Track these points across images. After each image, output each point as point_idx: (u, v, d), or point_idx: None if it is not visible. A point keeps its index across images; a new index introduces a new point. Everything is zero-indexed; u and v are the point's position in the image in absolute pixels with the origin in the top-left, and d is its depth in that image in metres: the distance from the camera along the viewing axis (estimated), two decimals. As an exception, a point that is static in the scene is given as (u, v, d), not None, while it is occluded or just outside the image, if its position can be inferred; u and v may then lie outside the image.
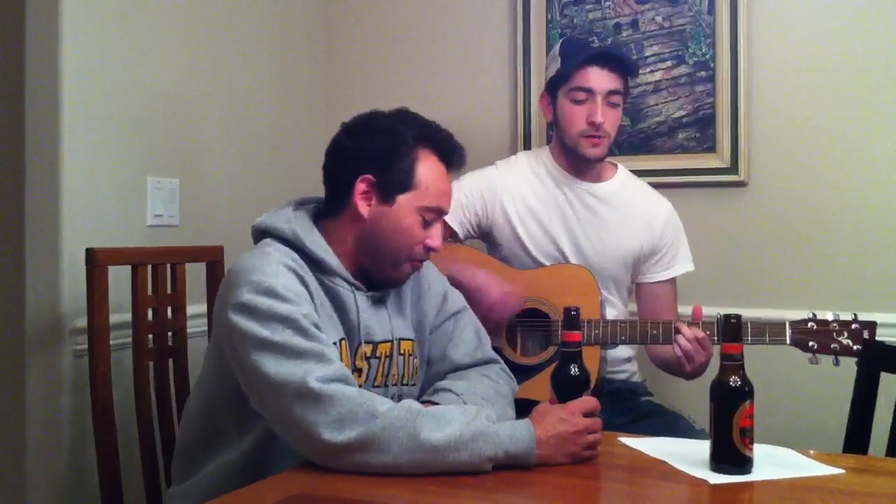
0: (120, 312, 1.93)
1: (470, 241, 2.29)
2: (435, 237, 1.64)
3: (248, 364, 1.44)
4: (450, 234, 2.23)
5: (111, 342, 1.88)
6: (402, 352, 1.70)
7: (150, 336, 1.97)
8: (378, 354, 1.65)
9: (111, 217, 2.16)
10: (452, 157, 1.66)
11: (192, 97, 2.42)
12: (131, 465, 1.94)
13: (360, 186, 1.61)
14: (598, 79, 2.10)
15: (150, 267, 1.97)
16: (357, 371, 1.60)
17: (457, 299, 1.82)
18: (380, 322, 1.65)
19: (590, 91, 2.11)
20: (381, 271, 1.64)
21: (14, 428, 1.99)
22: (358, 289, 1.63)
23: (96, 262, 1.85)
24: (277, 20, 2.77)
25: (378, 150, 1.63)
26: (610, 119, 2.13)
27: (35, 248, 2.00)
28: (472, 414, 1.42)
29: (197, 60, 2.43)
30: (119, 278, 1.92)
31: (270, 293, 1.46)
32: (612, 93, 2.12)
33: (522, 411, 1.52)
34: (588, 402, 1.49)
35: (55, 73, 2.02)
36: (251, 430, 1.55)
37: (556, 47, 2.21)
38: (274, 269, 1.50)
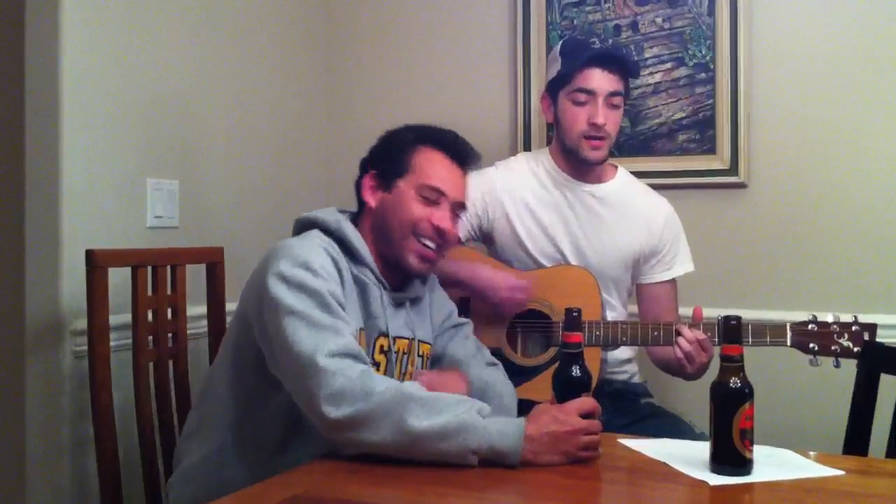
0: (120, 314, 1.93)
1: (470, 245, 2.29)
2: (440, 217, 1.72)
3: (273, 327, 1.53)
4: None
5: (111, 343, 1.88)
6: (420, 353, 1.78)
7: (150, 337, 1.97)
8: (396, 349, 1.72)
9: (111, 218, 2.16)
10: (456, 148, 1.76)
11: (191, 98, 2.42)
12: (131, 467, 1.94)
13: (367, 182, 1.76)
14: (600, 80, 2.10)
15: (149, 268, 1.97)
16: (375, 365, 1.67)
17: (458, 317, 1.93)
18: (400, 320, 1.74)
19: (591, 92, 2.11)
20: (395, 256, 1.72)
21: (14, 429, 1.99)
22: (384, 286, 1.73)
23: (96, 263, 1.85)
24: (278, 21, 2.77)
25: (381, 149, 1.80)
26: (611, 120, 2.13)
27: (35, 249, 2.00)
28: (465, 406, 1.45)
29: (197, 62, 2.44)
30: (119, 280, 1.92)
31: (306, 266, 1.56)
32: (613, 94, 2.12)
33: (523, 412, 1.52)
34: (585, 402, 1.49)
35: (55, 73, 2.02)
36: (245, 414, 1.64)
37: (557, 48, 2.21)
38: (316, 249, 1.62)
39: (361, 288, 1.69)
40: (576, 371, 1.51)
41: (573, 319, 1.51)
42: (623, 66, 2.14)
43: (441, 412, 1.42)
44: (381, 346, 1.70)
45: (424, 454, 1.41)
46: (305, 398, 1.47)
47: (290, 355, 1.48)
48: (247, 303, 1.65)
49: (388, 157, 1.76)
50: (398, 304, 1.76)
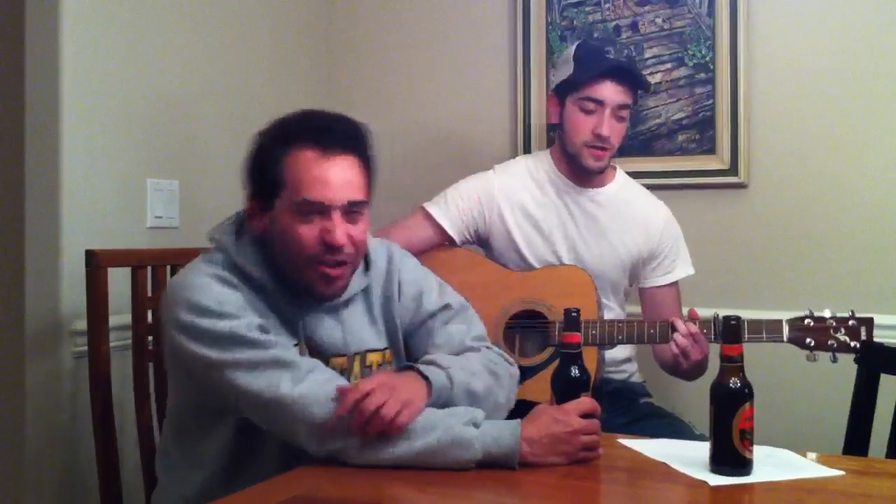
0: (119, 314, 1.93)
1: (466, 247, 2.29)
2: (333, 230, 1.49)
3: (218, 385, 1.45)
4: (446, 240, 2.23)
5: (111, 344, 1.88)
6: (368, 364, 1.65)
7: (150, 337, 1.97)
8: (333, 367, 1.58)
9: (111, 219, 2.16)
10: (326, 138, 1.53)
11: (192, 99, 2.42)
12: (131, 467, 1.94)
13: (248, 209, 1.59)
14: (611, 92, 2.10)
15: (149, 268, 1.97)
16: None
17: (433, 298, 1.72)
18: (330, 335, 1.60)
19: (600, 103, 2.10)
20: (298, 283, 1.55)
21: (14, 429, 1.98)
22: (298, 302, 1.57)
23: (96, 263, 1.85)
24: (278, 22, 2.77)
25: (249, 164, 1.60)
26: (616, 132, 2.13)
27: (35, 249, 2.00)
28: (456, 419, 1.41)
29: (197, 62, 2.44)
30: (119, 280, 1.92)
31: (206, 312, 1.45)
32: (621, 107, 2.12)
33: (521, 413, 1.52)
34: (584, 402, 1.48)
35: (55, 74, 2.02)
36: (224, 424, 1.55)
37: (571, 51, 2.18)
38: (205, 281, 1.49)
39: (274, 309, 1.54)
40: (575, 371, 1.50)
41: (572, 320, 1.51)
42: (635, 80, 2.14)
43: (430, 430, 1.39)
44: (337, 365, 1.60)
45: (423, 466, 1.39)
46: (290, 437, 1.43)
47: (252, 403, 1.43)
48: (169, 350, 1.55)
49: (258, 173, 1.56)
50: (329, 313, 1.60)
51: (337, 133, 1.55)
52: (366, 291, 1.67)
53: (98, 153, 2.13)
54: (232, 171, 2.60)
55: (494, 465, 1.40)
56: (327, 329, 1.59)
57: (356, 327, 1.63)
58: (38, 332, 2.00)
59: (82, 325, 1.94)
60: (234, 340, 1.44)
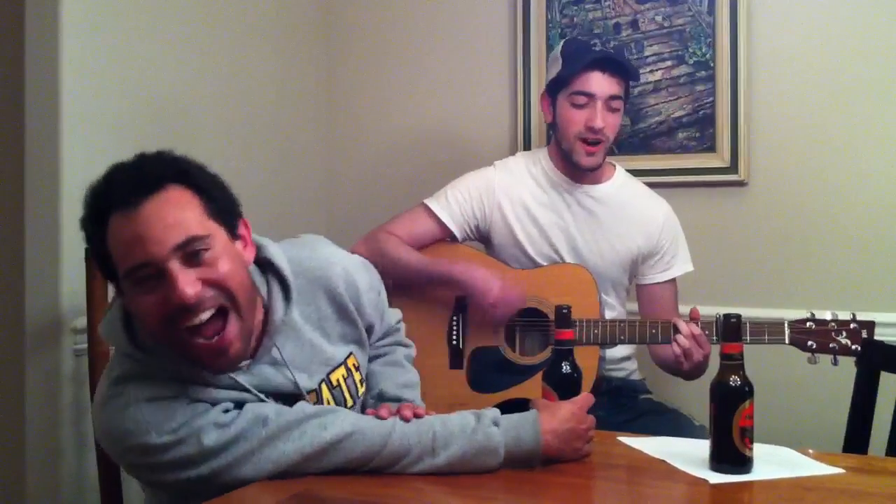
0: (120, 313, 1.93)
1: (468, 244, 2.29)
2: (174, 287, 1.26)
3: (234, 479, 1.32)
4: (448, 236, 2.23)
5: (111, 342, 1.88)
6: (335, 385, 1.54)
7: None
8: (335, 382, 1.54)
9: (111, 217, 2.15)
10: (126, 190, 1.30)
11: (192, 99, 2.42)
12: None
13: (115, 292, 1.38)
14: (600, 84, 2.10)
15: (149, 267, 1.97)
16: None
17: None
18: (281, 382, 1.44)
19: (591, 96, 2.10)
20: (187, 359, 1.35)
21: (14, 427, 1.99)
22: (218, 372, 1.37)
23: (96, 262, 1.85)
24: (278, 22, 2.77)
25: (91, 251, 1.37)
26: (610, 123, 2.12)
27: (35, 248, 2.00)
28: (474, 423, 1.39)
29: (197, 62, 2.44)
30: (119, 279, 1.91)
31: (161, 449, 1.29)
32: (612, 98, 2.11)
33: (522, 411, 1.52)
34: (590, 399, 1.50)
35: (55, 73, 2.02)
36: None
37: (558, 49, 2.20)
38: (131, 412, 1.31)
39: (195, 384, 1.36)
40: (571, 367, 1.51)
41: (563, 317, 1.51)
42: (624, 69, 2.14)
43: (454, 440, 1.37)
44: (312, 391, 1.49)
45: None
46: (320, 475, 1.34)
47: (283, 469, 1.33)
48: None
49: (99, 260, 1.35)
50: (272, 364, 1.44)
51: (135, 178, 1.32)
52: (304, 312, 1.50)
53: (98, 152, 2.13)
54: (232, 171, 2.61)
55: (514, 464, 1.40)
56: (275, 377, 1.43)
57: (306, 357, 1.48)
58: (39, 330, 2.00)
59: (82, 323, 1.94)
60: (220, 446, 1.30)
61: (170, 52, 2.34)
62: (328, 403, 1.50)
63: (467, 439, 1.37)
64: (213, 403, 1.35)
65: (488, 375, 2.10)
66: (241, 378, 1.38)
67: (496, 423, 1.40)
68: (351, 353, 1.57)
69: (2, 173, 2.02)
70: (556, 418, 1.43)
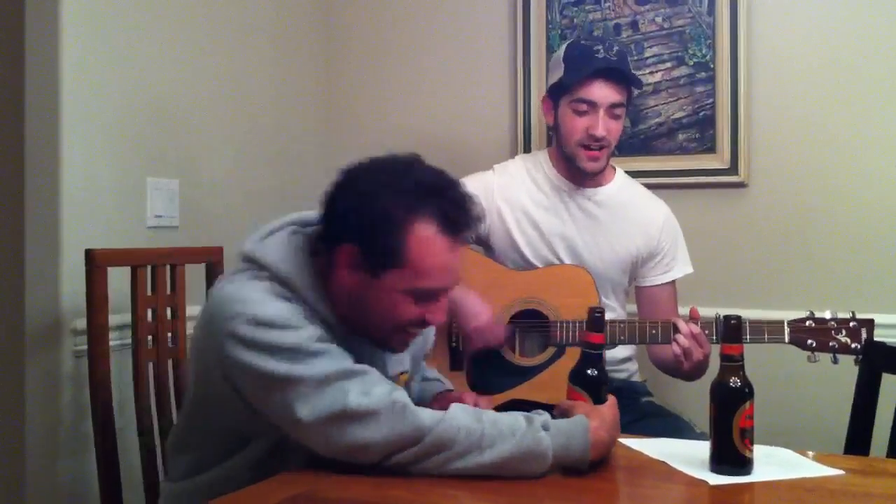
0: (119, 313, 1.94)
1: (468, 246, 2.29)
2: (436, 312, 1.46)
3: (274, 405, 1.36)
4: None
5: (111, 343, 1.89)
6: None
7: (150, 337, 1.97)
8: None
9: (111, 218, 2.16)
10: (458, 226, 1.43)
11: (192, 98, 2.42)
12: (131, 466, 1.94)
13: (342, 257, 1.44)
14: (602, 92, 2.09)
15: (149, 268, 1.97)
16: None
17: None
18: (374, 360, 1.52)
19: (592, 104, 2.10)
20: (371, 338, 1.50)
21: (13, 428, 1.98)
22: (349, 334, 1.49)
23: (96, 262, 1.85)
24: (278, 23, 2.77)
25: (363, 220, 1.42)
26: (612, 130, 2.12)
27: (35, 248, 2.00)
28: (525, 425, 1.36)
29: (197, 62, 2.44)
30: (119, 279, 1.92)
31: (268, 324, 1.36)
32: (614, 105, 2.11)
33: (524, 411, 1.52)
34: (616, 403, 1.50)
35: (55, 74, 2.02)
36: (258, 441, 1.48)
37: (561, 52, 2.18)
38: (260, 296, 1.40)
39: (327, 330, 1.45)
40: (601, 371, 1.51)
41: (597, 319, 1.49)
42: (626, 78, 2.14)
43: (503, 440, 1.33)
44: None
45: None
46: (354, 453, 1.34)
47: (313, 427, 1.34)
48: (212, 367, 1.42)
49: (375, 238, 1.41)
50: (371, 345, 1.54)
51: (467, 219, 1.44)
52: None
53: (98, 153, 2.13)
54: (232, 170, 2.62)
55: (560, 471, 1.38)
56: (372, 354, 1.53)
57: (388, 356, 1.58)
58: (39, 332, 2.00)
59: (82, 324, 1.94)
60: (301, 352, 1.35)
61: (170, 51, 2.34)
62: None
63: (517, 441, 1.34)
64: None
65: (489, 377, 2.10)
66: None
67: (545, 428, 1.37)
68: (408, 371, 1.65)
69: (2, 173, 2.02)
70: (605, 425, 1.40)
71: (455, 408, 1.38)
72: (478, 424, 1.35)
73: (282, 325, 1.36)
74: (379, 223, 1.40)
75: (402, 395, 1.37)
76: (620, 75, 2.11)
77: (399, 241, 1.40)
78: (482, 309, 2.05)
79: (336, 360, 1.38)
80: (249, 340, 1.36)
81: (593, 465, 1.39)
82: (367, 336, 1.49)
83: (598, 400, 1.48)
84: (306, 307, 1.43)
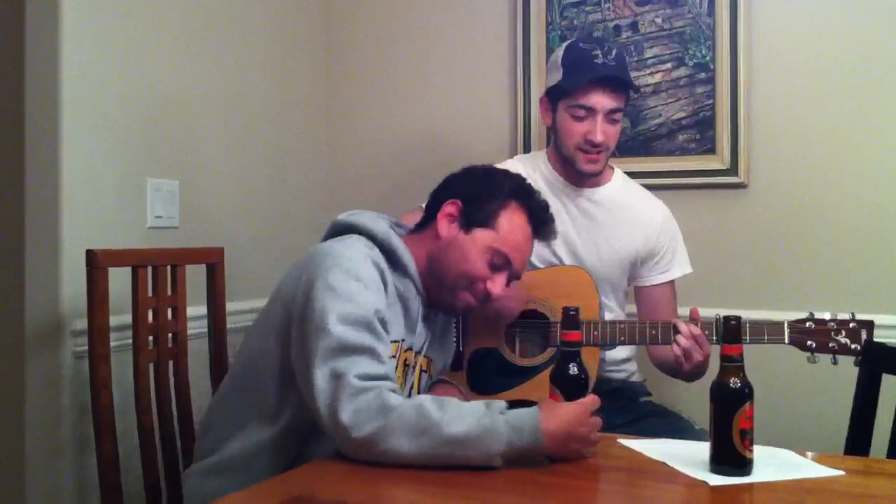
0: (120, 314, 1.93)
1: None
2: (497, 283, 1.71)
3: (314, 337, 1.49)
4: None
5: (111, 344, 1.88)
6: (425, 368, 1.80)
7: (150, 338, 1.97)
8: (415, 365, 1.75)
9: (111, 219, 2.16)
10: (540, 223, 1.76)
11: (192, 99, 2.42)
12: (131, 467, 1.94)
13: (448, 208, 1.73)
14: (600, 100, 2.09)
15: (150, 268, 1.97)
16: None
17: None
18: (422, 336, 1.76)
19: (591, 109, 2.10)
20: (439, 294, 1.73)
21: (14, 429, 1.99)
22: (422, 301, 1.74)
23: (96, 263, 1.85)
24: (278, 24, 2.77)
25: (475, 186, 1.75)
26: (610, 134, 2.12)
27: (35, 249, 2.00)
28: (483, 408, 1.42)
29: (197, 62, 2.44)
30: (119, 280, 1.92)
31: (356, 277, 1.54)
32: (612, 111, 2.11)
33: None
34: (597, 401, 1.50)
35: (55, 74, 2.02)
36: (289, 407, 1.59)
37: (560, 56, 2.17)
38: (363, 259, 1.59)
39: (403, 302, 1.69)
40: (578, 369, 1.52)
41: (571, 318, 1.51)
42: (624, 84, 2.14)
43: (462, 419, 1.40)
44: (406, 360, 1.70)
45: (451, 461, 1.39)
46: (327, 412, 1.44)
47: (321, 374, 1.46)
48: (290, 301, 1.60)
49: (479, 199, 1.73)
50: (427, 318, 1.77)
51: (549, 225, 1.78)
52: None
53: (98, 153, 2.13)
54: (232, 171, 2.63)
55: (522, 459, 1.40)
56: (422, 329, 1.75)
57: (431, 335, 1.80)
58: (39, 332, 2.00)
59: (82, 324, 1.94)
60: (361, 314, 1.50)
61: (170, 52, 2.34)
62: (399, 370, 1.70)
63: (475, 421, 1.39)
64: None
65: (488, 377, 2.10)
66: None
67: (501, 413, 1.43)
68: (432, 360, 1.84)
69: (2, 173, 2.02)
70: (555, 419, 1.43)
71: (423, 395, 1.50)
72: (440, 405, 1.42)
73: (365, 283, 1.55)
74: (486, 191, 1.73)
75: (390, 384, 1.47)
76: (619, 82, 2.11)
77: (497, 209, 1.71)
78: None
79: (379, 338, 1.51)
80: (333, 285, 1.52)
81: (553, 460, 1.42)
82: (435, 294, 1.73)
83: (570, 398, 1.49)
84: (395, 267, 1.67)
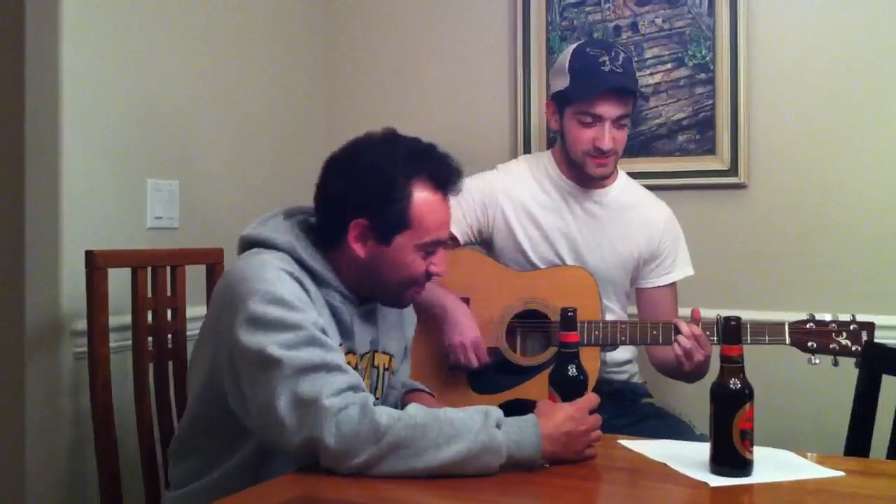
0: (120, 315, 1.93)
1: (469, 247, 2.29)
2: (439, 263, 1.63)
3: (257, 383, 1.41)
4: (450, 240, 2.23)
5: (111, 344, 1.88)
6: (375, 364, 1.70)
7: (150, 338, 1.97)
8: (362, 366, 1.65)
9: (111, 219, 2.16)
10: (448, 182, 1.61)
11: (191, 99, 2.42)
12: (131, 467, 1.94)
13: (354, 231, 1.57)
14: (609, 108, 2.09)
15: (149, 269, 1.97)
16: None
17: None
18: (366, 335, 1.66)
19: (598, 116, 2.10)
20: (383, 295, 1.65)
21: (14, 430, 1.98)
22: (351, 301, 1.62)
23: (96, 264, 1.85)
24: (278, 24, 2.77)
25: (369, 193, 1.56)
26: (618, 139, 2.13)
27: (35, 250, 2.00)
28: (480, 422, 1.39)
29: (197, 63, 2.44)
30: (119, 280, 1.92)
31: (278, 301, 1.43)
32: (620, 117, 2.11)
33: (523, 411, 1.52)
34: (593, 399, 1.50)
35: (55, 75, 2.02)
36: (252, 441, 1.53)
37: (566, 61, 2.15)
38: (275, 275, 1.47)
39: (331, 308, 1.57)
40: (577, 370, 1.52)
41: (569, 319, 1.51)
42: (632, 93, 2.14)
43: (459, 437, 1.36)
44: (349, 363, 1.60)
45: (447, 476, 1.37)
46: (303, 443, 1.37)
47: (290, 404, 1.37)
48: (214, 346, 1.51)
49: (381, 206, 1.55)
50: (364, 316, 1.66)
51: (454, 176, 1.62)
52: None
53: (98, 154, 2.13)
54: (232, 171, 2.62)
55: (515, 468, 1.39)
56: (363, 329, 1.65)
57: (382, 330, 1.71)
58: (39, 333, 2.00)
59: (82, 325, 1.94)
60: (301, 334, 1.42)
61: (170, 52, 2.34)
62: (364, 375, 1.64)
63: (472, 438, 1.37)
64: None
65: (489, 376, 2.10)
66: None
67: (499, 426, 1.40)
68: (393, 356, 1.74)
69: (2, 174, 2.02)
70: (552, 422, 1.43)
71: (412, 407, 1.42)
72: (435, 422, 1.38)
73: (290, 304, 1.44)
74: (384, 194, 1.55)
75: (365, 396, 1.41)
76: (627, 90, 2.11)
77: (404, 206, 1.55)
78: (470, 325, 2.05)
79: (328, 349, 1.43)
80: (259, 316, 1.42)
81: (553, 463, 1.41)
82: (379, 298, 1.65)
83: (568, 398, 1.49)
84: (312, 277, 1.55)
